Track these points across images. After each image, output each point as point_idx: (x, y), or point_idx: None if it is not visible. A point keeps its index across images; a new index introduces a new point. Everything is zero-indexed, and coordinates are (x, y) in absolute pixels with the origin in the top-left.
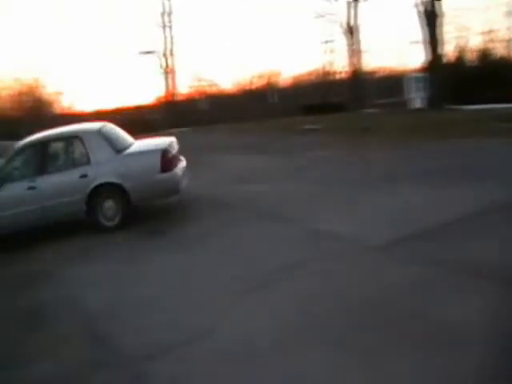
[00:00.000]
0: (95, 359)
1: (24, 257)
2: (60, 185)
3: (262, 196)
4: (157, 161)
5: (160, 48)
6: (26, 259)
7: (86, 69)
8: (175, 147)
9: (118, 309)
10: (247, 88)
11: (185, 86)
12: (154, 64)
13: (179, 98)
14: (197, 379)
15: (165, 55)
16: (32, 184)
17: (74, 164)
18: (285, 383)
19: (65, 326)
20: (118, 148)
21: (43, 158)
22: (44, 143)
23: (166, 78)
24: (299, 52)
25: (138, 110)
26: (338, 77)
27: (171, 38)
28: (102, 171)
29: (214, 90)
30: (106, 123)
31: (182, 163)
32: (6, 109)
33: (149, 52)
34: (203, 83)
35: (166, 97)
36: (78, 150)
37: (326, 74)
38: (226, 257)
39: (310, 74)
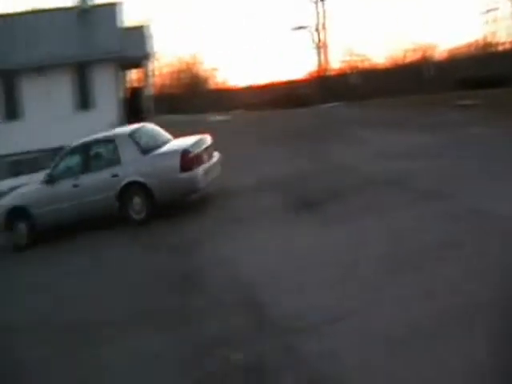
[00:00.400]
0: (248, 326)
1: (178, 228)
2: (97, 183)
3: (414, 173)
4: (176, 161)
5: (312, 23)
6: (180, 231)
7: (240, 45)
8: (202, 145)
9: (274, 279)
10: (401, 62)
11: (336, 61)
12: (307, 39)
13: (331, 72)
14: (344, 358)
15: (317, 30)
16: (76, 182)
17: (108, 164)
18: (422, 377)
19: (220, 291)
20: (147, 149)
21: (85, 159)
22: (86, 146)
23: (318, 53)
24: (456, 23)
25: (290, 84)
26: (500, 48)
27: (324, 12)
28: (130, 171)
29: (365, 64)
30: (143, 125)
31: (211, 160)
32: (167, 86)
33: (301, 27)
34: (355, 57)
35: (317, 71)
36: (112, 152)
37: (487, 45)
38: (379, 233)
39: (468, 46)
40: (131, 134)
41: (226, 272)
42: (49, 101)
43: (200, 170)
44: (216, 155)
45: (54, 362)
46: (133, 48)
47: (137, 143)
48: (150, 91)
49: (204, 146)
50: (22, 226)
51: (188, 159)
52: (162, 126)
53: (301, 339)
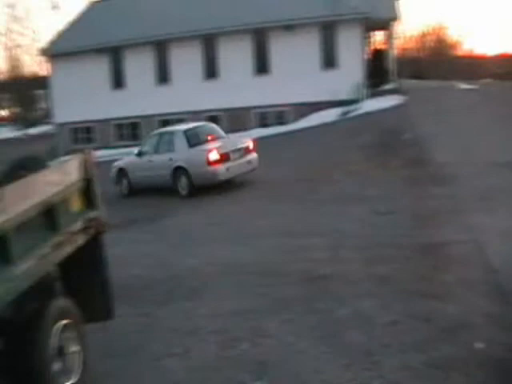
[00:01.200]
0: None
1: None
2: (161, 162)
3: None
4: (204, 157)
5: None
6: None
7: (492, 10)
8: (233, 147)
9: None
10: None
11: None
12: None
13: None
14: None
15: None
16: (151, 158)
17: (168, 150)
18: None
19: (469, 271)
20: (194, 144)
21: (157, 143)
22: (160, 134)
23: None
24: None
25: None
26: None
27: None
28: (179, 158)
29: None
30: (202, 124)
31: (242, 159)
32: (410, 50)
33: None
34: None
35: None
36: (171, 142)
37: None
38: None
39: None
40: (185, 131)
41: (470, 250)
42: (295, 58)
43: (222, 167)
44: (252, 155)
45: None
46: (380, 10)
47: (187, 138)
48: (394, 54)
49: (235, 147)
50: (125, 182)
51: (212, 157)
52: (407, 91)
53: None
